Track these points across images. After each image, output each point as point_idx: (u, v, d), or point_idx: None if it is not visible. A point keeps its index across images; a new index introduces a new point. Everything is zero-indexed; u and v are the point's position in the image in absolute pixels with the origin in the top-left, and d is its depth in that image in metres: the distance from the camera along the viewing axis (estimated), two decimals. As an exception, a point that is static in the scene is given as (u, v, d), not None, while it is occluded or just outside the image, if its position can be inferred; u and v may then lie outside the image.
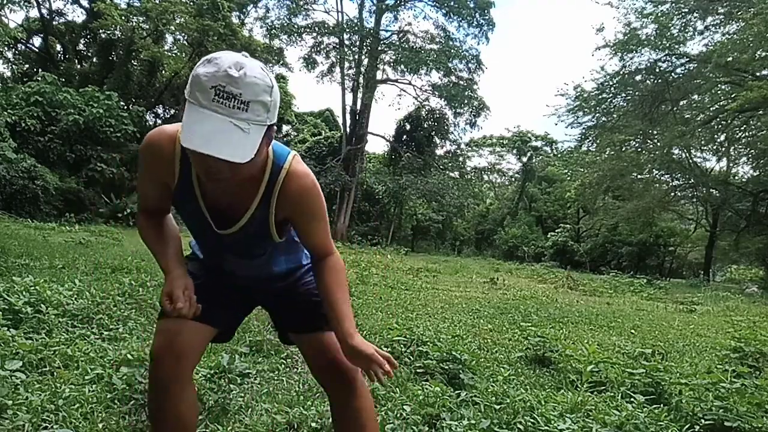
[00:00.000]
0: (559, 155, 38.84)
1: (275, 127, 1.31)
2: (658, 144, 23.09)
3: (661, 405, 2.91)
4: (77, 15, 26.21)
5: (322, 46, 29.01)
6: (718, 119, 21.97)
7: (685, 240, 31.88)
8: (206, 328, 1.52)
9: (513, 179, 44.62)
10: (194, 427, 1.56)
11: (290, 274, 1.65)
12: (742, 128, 22.31)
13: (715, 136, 23.50)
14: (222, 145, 1.15)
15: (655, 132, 23.35)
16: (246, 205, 1.41)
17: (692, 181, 25.53)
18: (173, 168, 1.40)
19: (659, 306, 10.25)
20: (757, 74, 18.79)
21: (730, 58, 18.71)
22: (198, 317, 1.45)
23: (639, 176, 25.29)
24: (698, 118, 22.15)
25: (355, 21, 28.49)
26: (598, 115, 24.66)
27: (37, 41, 25.31)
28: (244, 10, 27.57)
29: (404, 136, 31.81)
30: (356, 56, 28.79)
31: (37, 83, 18.15)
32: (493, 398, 2.81)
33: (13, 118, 16.14)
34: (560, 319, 6.68)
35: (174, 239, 1.55)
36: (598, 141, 25.56)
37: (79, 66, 24.92)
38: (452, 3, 27.91)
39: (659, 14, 20.79)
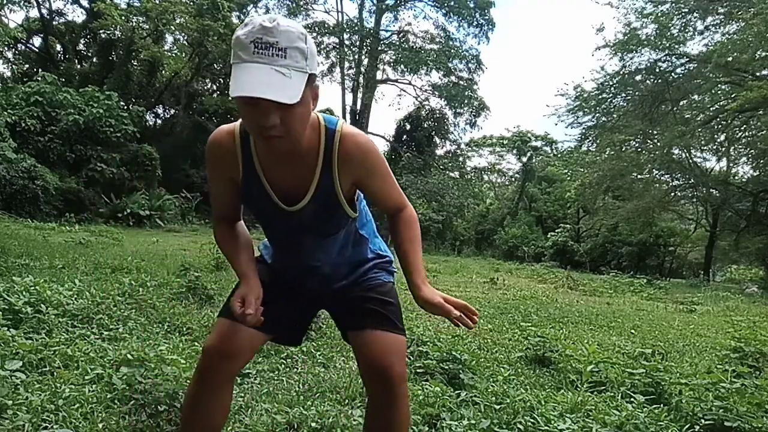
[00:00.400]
0: (559, 155, 38.76)
1: (317, 84, 1.36)
2: (658, 144, 23.07)
3: (661, 405, 2.91)
4: (77, 15, 26.20)
5: (322, 46, 29.06)
6: (718, 119, 21.94)
7: (685, 240, 31.83)
8: (260, 335, 1.56)
9: (513, 179, 44.54)
10: (221, 428, 1.59)
11: (355, 269, 1.67)
12: (742, 128, 22.29)
13: (715, 136, 23.48)
14: (266, 87, 1.21)
15: (655, 132, 23.33)
16: (310, 179, 1.45)
17: (692, 181, 25.49)
18: (236, 160, 1.47)
19: (659, 306, 10.24)
20: (757, 74, 18.77)
21: (730, 58, 18.69)
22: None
23: (639, 176, 25.24)
24: (698, 118, 22.13)
25: (355, 21, 28.55)
26: (598, 115, 24.64)
27: (37, 41, 25.31)
28: (244, 10, 27.55)
29: (404, 136, 31.81)
30: (356, 56, 28.85)
31: (37, 83, 18.11)
32: (493, 398, 2.81)
33: (13, 118, 16.10)
34: (560, 319, 6.68)
35: (248, 247, 1.61)
36: (598, 141, 25.52)
37: (79, 66, 24.90)
38: (452, 3, 27.96)
39: (659, 14, 20.78)
